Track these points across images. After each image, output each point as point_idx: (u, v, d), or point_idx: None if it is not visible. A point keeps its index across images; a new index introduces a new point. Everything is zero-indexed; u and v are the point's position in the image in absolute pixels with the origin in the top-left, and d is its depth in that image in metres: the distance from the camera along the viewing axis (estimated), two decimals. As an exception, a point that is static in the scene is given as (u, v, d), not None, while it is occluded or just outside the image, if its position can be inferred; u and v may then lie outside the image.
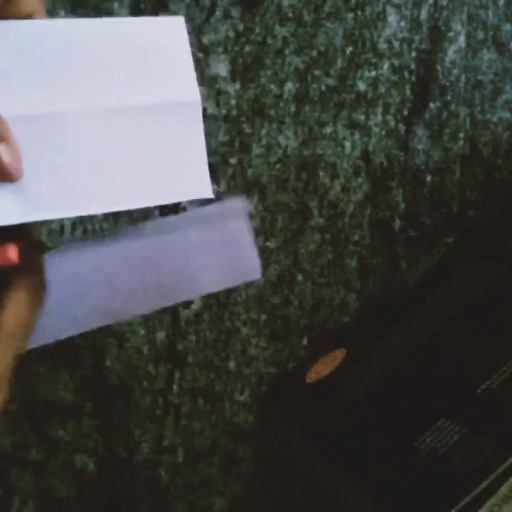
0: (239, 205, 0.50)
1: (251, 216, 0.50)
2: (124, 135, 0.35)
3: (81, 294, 0.46)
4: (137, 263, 0.47)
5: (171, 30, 0.36)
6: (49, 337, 0.43)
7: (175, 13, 0.48)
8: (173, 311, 0.49)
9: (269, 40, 0.50)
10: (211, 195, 0.38)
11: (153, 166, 0.36)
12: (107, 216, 0.47)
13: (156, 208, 0.48)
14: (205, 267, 0.48)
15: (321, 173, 0.52)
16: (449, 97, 0.54)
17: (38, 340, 0.42)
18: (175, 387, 0.49)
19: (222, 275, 0.49)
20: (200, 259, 0.48)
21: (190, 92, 0.37)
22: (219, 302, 0.49)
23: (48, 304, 0.43)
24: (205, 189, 0.38)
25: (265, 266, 0.51)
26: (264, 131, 0.50)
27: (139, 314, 0.48)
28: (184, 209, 0.48)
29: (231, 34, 0.49)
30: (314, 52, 0.51)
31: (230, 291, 0.50)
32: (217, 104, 0.48)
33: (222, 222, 0.49)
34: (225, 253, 0.48)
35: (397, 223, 0.53)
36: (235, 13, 0.49)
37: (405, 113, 0.53)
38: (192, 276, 0.48)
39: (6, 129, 0.32)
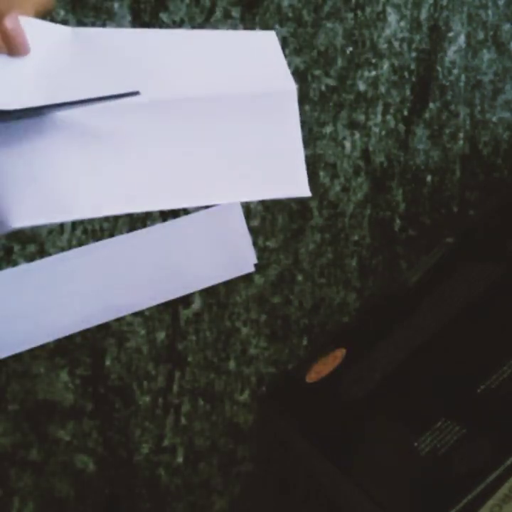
0: (233, 206, 0.50)
1: (250, 216, 0.50)
2: (218, 125, 0.35)
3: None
4: (134, 260, 0.47)
5: (262, 39, 0.38)
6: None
7: (175, 13, 0.48)
8: (173, 311, 0.49)
9: (269, 40, 0.50)
10: (309, 194, 0.37)
11: (250, 158, 0.36)
12: (107, 216, 0.47)
13: (156, 208, 0.48)
14: (202, 263, 0.48)
15: (321, 173, 0.52)
16: (449, 97, 0.54)
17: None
18: (175, 387, 0.49)
19: (218, 269, 0.49)
20: (197, 255, 0.48)
21: (283, 79, 0.37)
22: (219, 302, 0.49)
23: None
24: (303, 187, 0.37)
25: (265, 266, 0.51)
26: (264, 131, 0.50)
27: (140, 309, 0.48)
28: (184, 209, 0.48)
29: (231, 34, 0.49)
30: (314, 52, 0.51)
31: (230, 291, 0.50)
32: (217, 104, 0.48)
33: (218, 222, 0.49)
34: (221, 249, 0.48)
35: (397, 223, 0.53)
36: (235, 13, 0.49)
37: (405, 113, 0.53)
38: (189, 272, 0.48)
39: (6, 5, 0.32)
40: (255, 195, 0.37)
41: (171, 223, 0.48)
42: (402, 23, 0.53)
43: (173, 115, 0.35)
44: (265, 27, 0.50)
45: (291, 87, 0.38)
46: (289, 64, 0.50)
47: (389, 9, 0.52)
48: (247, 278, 0.50)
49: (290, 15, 0.50)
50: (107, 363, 0.48)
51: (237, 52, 0.37)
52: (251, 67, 0.37)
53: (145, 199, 0.34)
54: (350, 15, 0.52)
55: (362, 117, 0.52)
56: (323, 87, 0.51)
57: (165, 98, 0.35)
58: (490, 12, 0.55)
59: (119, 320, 0.48)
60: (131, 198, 0.34)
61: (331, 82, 0.52)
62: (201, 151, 0.36)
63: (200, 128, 0.36)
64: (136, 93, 0.32)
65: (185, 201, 0.35)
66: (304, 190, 0.38)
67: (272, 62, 0.38)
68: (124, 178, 0.34)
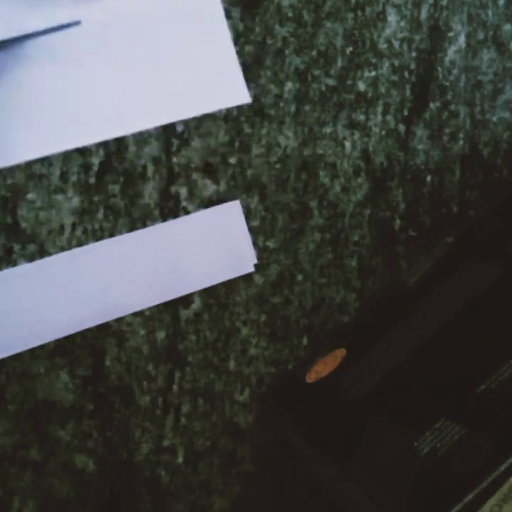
0: (233, 206, 0.50)
1: (250, 216, 0.50)
2: (145, 45, 0.34)
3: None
4: (134, 261, 0.47)
5: None
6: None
7: (175, 13, 0.48)
8: (173, 311, 0.49)
9: (269, 40, 0.50)
10: (249, 100, 0.37)
11: (183, 74, 0.35)
12: (107, 216, 0.47)
13: (156, 208, 0.48)
14: (202, 263, 0.48)
15: (321, 173, 0.52)
16: (449, 97, 0.54)
17: None
18: (175, 387, 0.49)
19: (218, 269, 0.49)
20: (197, 255, 0.48)
21: None
22: (219, 302, 0.49)
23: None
24: (242, 94, 0.37)
25: (265, 266, 0.51)
26: (264, 131, 0.50)
27: (140, 309, 0.48)
28: (184, 209, 0.48)
29: (231, 34, 0.49)
30: (314, 52, 0.51)
31: (230, 291, 0.50)
32: (217, 104, 0.48)
33: (218, 222, 0.49)
34: (221, 249, 0.48)
35: (397, 223, 0.53)
36: (235, 13, 0.49)
37: (405, 113, 0.53)
38: (189, 272, 0.48)
39: None
40: (196, 110, 0.36)
41: (171, 223, 0.48)
42: (402, 23, 0.53)
43: (100, 39, 0.34)
44: (265, 27, 0.50)
45: None
46: (289, 64, 0.50)
47: (389, 9, 0.52)
48: (247, 278, 0.50)
49: (290, 15, 0.50)
50: (107, 363, 0.48)
51: None
52: None
53: (85, 131, 0.33)
54: (350, 15, 0.52)
55: (362, 117, 0.52)
56: (323, 87, 0.51)
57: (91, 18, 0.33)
58: (490, 12, 0.55)
59: (119, 320, 0.48)
60: (70, 133, 0.33)
61: (331, 82, 0.52)
62: (134, 74, 0.34)
63: (128, 50, 0.34)
64: (77, 23, 0.31)
65: (129, 127, 0.35)
66: (244, 97, 0.38)
67: None
68: (56, 112, 0.33)
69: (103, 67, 0.34)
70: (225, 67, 0.37)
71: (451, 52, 0.54)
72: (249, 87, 0.50)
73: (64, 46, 0.32)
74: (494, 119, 0.55)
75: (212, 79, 0.36)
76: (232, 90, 0.37)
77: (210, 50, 0.36)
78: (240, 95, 0.37)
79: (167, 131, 0.47)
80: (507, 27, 0.55)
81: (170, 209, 0.48)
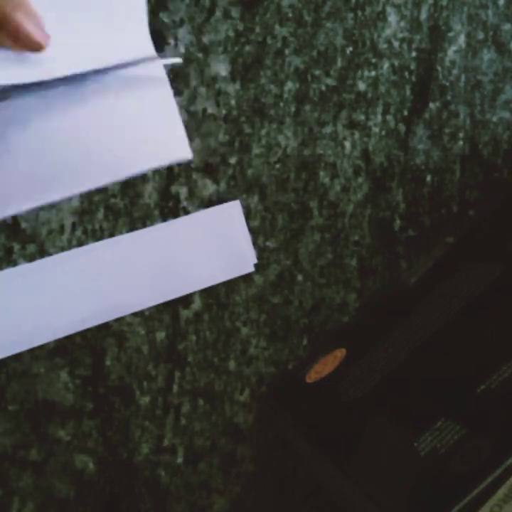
0: (233, 206, 0.50)
1: (250, 216, 0.50)
2: (89, 106, 0.35)
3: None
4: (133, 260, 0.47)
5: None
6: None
7: (175, 13, 0.48)
8: (173, 311, 0.49)
9: (269, 40, 0.50)
10: (190, 156, 0.38)
11: (127, 133, 0.36)
12: (107, 216, 0.47)
13: (156, 208, 0.48)
14: (202, 263, 0.48)
15: (321, 173, 0.52)
16: (449, 97, 0.54)
17: None
18: (175, 387, 0.49)
19: (218, 269, 0.49)
20: (197, 255, 0.48)
21: (143, 45, 0.37)
22: (219, 302, 0.49)
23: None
24: (184, 150, 0.38)
25: (265, 266, 0.51)
26: (264, 131, 0.50)
27: (140, 309, 0.48)
28: (184, 209, 0.48)
29: (231, 34, 0.49)
30: (314, 52, 0.51)
31: (230, 291, 0.50)
32: (217, 104, 0.49)
33: (218, 222, 0.49)
34: (221, 249, 0.48)
35: (397, 223, 0.53)
36: (235, 13, 0.49)
37: (405, 113, 0.53)
38: (189, 272, 0.48)
39: None
40: (138, 167, 0.37)
41: (170, 223, 0.48)
42: (402, 23, 0.53)
43: (43, 102, 0.34)
44: (265, 27, 0.50)
45: (151, 52, 0.37)
46: (289, 64, 0.50)
47: (389, 9, 0.52)
48: (247, 278, 0.50)
49: (290, 15, 0.50)
50: (107, 363, 0.48)
51: (101, 25, 0.36)
52: (111, 40, 0.36)
53: (32, 195, 0.34)
54: (350, 15, 0.52)
55: (362, 117, 0.52)
56: (323, 87, 0.51)
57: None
58: (490, 12, 0.55)
59: (119, 320, 0.48)
60: (19, 196, 0.34)
61: (331, 82, 0.52)
62: (77, 135, 0.35)
63: (72, 111, 0.35)
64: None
65: (76, 188, 0.35)
66: (185, 153, 0.39)
67: (134, 30, 0.36)
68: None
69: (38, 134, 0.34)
70: (166, 123, 0.38)
71: (451, 52, 0.54)
72: (249, 87, 0.50)
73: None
74: (494, 119, 0.55)
75: (153, 135, 0.37)
76: (173, 147, 0.38)
77: (151, 106, 0.37)
78: (182, 152, 0.38)
79: (167, 131, 0.47)
80: (507, 27, 0.55)
81: (170, 209, 0.48)
